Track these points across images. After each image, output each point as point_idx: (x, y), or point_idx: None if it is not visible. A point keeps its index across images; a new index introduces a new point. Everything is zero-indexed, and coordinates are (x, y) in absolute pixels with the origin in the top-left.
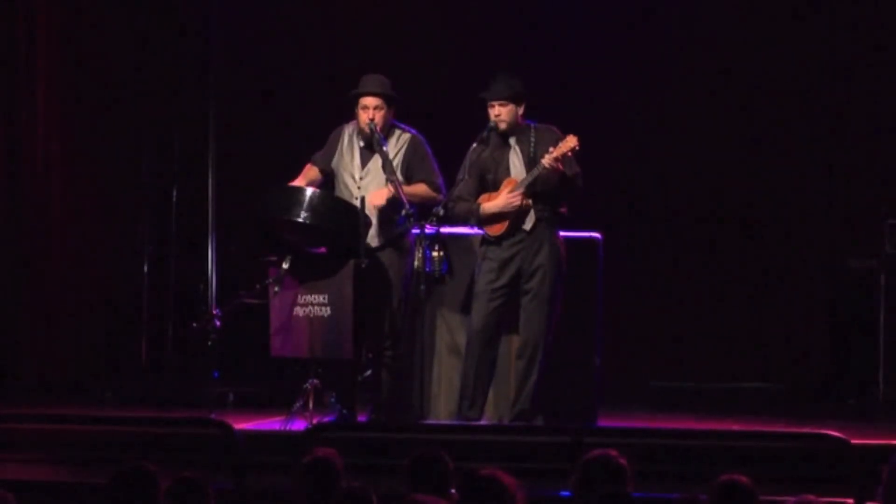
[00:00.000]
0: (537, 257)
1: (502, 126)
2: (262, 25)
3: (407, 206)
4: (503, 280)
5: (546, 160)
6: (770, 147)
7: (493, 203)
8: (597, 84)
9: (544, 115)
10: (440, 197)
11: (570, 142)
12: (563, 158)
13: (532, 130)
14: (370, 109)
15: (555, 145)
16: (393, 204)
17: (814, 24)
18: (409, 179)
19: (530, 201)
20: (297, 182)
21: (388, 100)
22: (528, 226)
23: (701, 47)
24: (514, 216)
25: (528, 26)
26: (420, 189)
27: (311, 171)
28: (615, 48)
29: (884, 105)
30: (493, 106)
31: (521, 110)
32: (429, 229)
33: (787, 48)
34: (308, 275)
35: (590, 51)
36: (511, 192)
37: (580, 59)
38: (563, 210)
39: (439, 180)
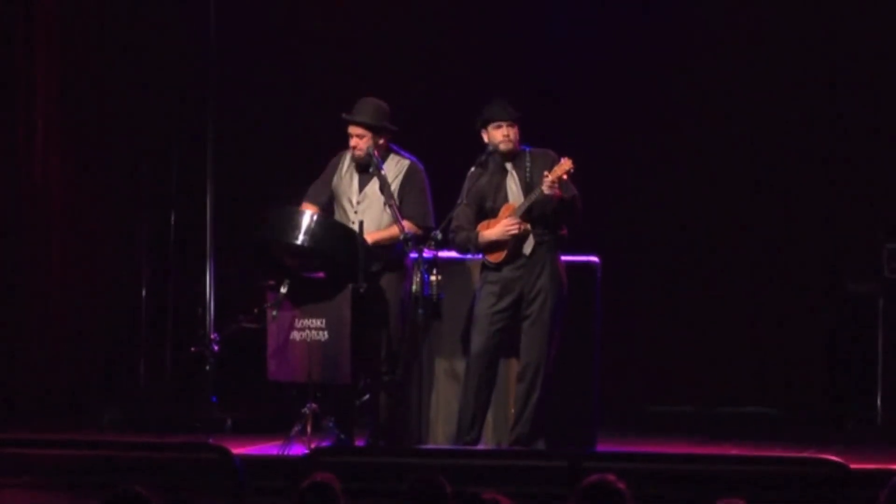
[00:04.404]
0: (539, 281)
1: (509, 147)
2: (262, 48)
3: (404, 229)
4: (504, 304)
5: (545, 185)
6: (768, 171)
7: (491, 231)
8: (594, 108)
9: (541, 139)
10: (424, 234)
11: (566, 165)
12: (559, 181)
13: (527, 155)
14: (354, 137)
15: (550, 169)
16: (391, 240)
17: (811, 50)
18: (399, 210)
19: (528, 226)
20: None
21: (373, 129)
22: (527, 250)
23: (698, 72)
24: (513, 242)
25: (526, 51)
26: (405, 226)
27: (308, 209)
28: (612, 73)
29: (882, 129)
30: (501, 126)
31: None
32: (427, 253)
33: (785, 73)
34: (306, 299)
35: (587, 75)
36: (508, 218)
37: (577, 83)
38: (563, 232)
39: (428, 217)
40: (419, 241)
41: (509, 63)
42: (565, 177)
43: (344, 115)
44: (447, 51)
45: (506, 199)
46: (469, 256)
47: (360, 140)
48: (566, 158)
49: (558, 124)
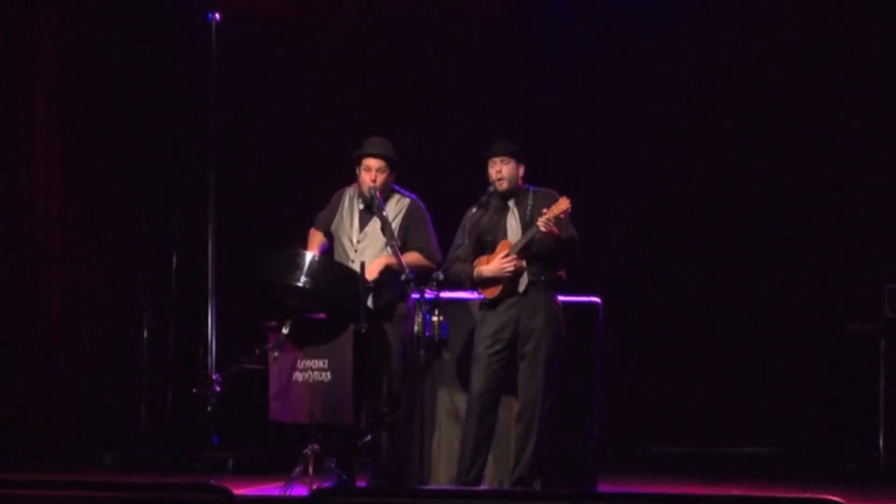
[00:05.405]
0: (533, 321)
1: (504, 185)
2: (263, 88)
3: (406, 270)
4: (500, 345)
5: (540, 222)
6: (769, 211)
7: (487, 267)
8: (595, 149)
9: (543, 179)
10: (433, 266)
11: (563, 204)
12: (557, 221)
13: (531, 194)
14: (373, 171)
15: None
16: (389, 272)
17: (811, 89)
18: (404, 245)
19: (524, 263)
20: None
21: (391, 163)
22: (521, 288)
23: (699, 113)
24: (508, 279)
25: (528, 91)
26: (413, 258)
27: (317, 237)
28: (615, 113)
29: (883, 170)
30: (494, 163)
31: (521, 171)
32: (428, 294)
33: (785, 114)
34: (308, 340)
35: (589, 115)
36: (505, 256)
37: (579, 124)
38: (560, 274)
39: (434, 249)
40: (421, 281)
41: (509, 103)
42: (562, 216)
43: (367, 150)
44: (445, 93)
45: (505, 236)
46: (470, 296)
47: (379, 174)
48: (564, 197)
49: (560, 165)
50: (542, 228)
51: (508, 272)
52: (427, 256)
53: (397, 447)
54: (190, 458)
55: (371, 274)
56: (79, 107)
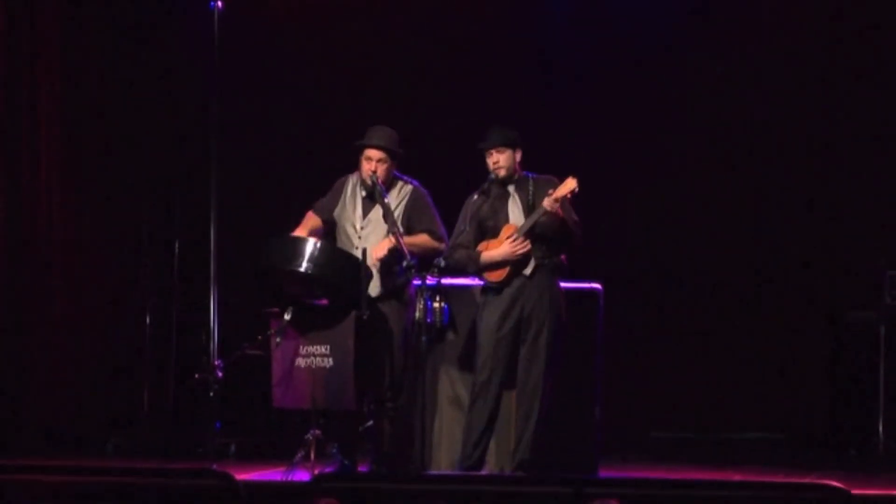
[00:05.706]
0: (537, 306)
1: (501, 173)
2: (264, 78)
3: (408, 257)
4: (504, 330)
5: (547, 202)
6: (770, 199)
7: (494, 251)
8: (598, 136)
9: (545, 166)
10: (442, 246)
11: (570, 184)
12: (562, 202)
13: (531, 181)
14: (373, 161)
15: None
16: (394, 255)
17: (810, 80)
18: (410, 230)
19: (530, 246)
20: (298, 231)
21: (392, 154)
22: (528, 271)
23: (701, 102)
24: (514, 262)
25: (530, 80)
26: (421, 239)
27: (312, 220)
28: (617, 101)
29: (882, 158)
30: (490, 154)
31: (518, 156)
32: (430, 280)
33: (785, 105)
34: (310, 326)
35: (590, 103)
36: (512, 239)
37: (581, 111)
38: (562, 259)
39: (441, 230)
40: (428, 263)
41: (511, 92)
42: (569, 196)
43: (368, 141)
44: (451, 81)
45: (507, 221)
46: (472, 282)
47: (380, 165)
48: (571, 178)
49: (561, 153)
50: (549, 208)
51: (519, 254)
52: (434, 237)
53: (399, 433)
54: (192, 444)
55: (380, 252)
56: (81, 95)
